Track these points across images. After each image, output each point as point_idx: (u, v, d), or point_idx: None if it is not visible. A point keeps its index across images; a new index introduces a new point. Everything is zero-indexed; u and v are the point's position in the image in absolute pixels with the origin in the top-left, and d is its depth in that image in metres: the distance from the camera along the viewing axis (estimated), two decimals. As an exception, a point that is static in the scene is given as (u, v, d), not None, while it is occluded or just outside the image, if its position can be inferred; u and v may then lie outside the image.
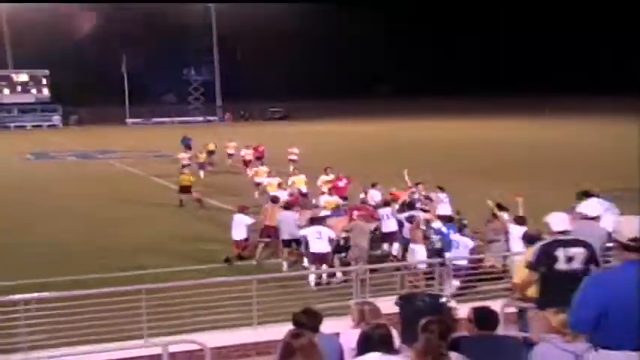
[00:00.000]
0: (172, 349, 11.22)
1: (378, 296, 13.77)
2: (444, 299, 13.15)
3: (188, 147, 51.33)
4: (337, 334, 8.89)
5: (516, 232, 16.99)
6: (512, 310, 12.27)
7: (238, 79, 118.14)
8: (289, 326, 8.26)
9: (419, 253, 17.81)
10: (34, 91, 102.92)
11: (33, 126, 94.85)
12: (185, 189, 31.09)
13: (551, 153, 48.82)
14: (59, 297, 13.30)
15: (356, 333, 7.57)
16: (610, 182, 26.90)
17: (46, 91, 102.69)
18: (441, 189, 23.41)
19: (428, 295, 13.36)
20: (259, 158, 42.96)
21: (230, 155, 47.99)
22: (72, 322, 12.29)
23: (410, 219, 19.04)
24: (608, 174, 32.97)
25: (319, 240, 17.88)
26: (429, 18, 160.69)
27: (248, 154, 43.60)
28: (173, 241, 23.89)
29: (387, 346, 6.59)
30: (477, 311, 8.09)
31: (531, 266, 8.88)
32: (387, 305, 12.91)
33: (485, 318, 7.89)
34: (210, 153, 47.23)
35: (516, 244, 16.85)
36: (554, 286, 8.28)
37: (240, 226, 21.24)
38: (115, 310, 12.65)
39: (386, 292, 14.36)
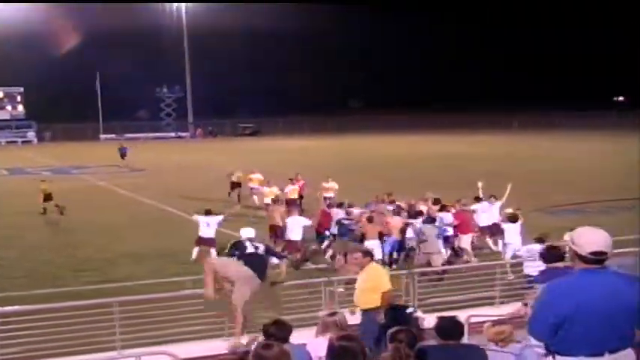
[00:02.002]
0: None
1: (346, 307, 13.77)
2: (410, 309, 13.19)
3: (123, 155, 57.65)
4: (305, 344, 8.87)
5: (510, 228, 20.53)
6: (477, 320, 12.32)
7: (210, 96, 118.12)
8: (260, 337, 8.24)
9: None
10: (8, 107, 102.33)
11: (7, 142, 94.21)
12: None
13: (521, 165, 49.14)
14: (32, 310, 13.20)
15: (323, 342, 7.55)
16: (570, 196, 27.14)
17: (20, 108, 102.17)
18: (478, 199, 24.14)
19: (395, 305, 13.39)
20: (301, 197, 32.03)
21: (253, 190, 35.06)
22: (45, 335, 12.18)
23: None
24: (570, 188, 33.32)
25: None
26: (401, 32, 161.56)
27: (292, 191, 31.43)
28: (145, 253, 23.76)
29: (358, 357, 6.56)
30: (443, 321, 8.13)
31: None
32: (356, 316, 12.95)
33: (450, 328, 7.93)
34: (235, 186, 36.37)
35: (510, 238, 20.41)
36: None
37: (297, 227, 22.17)
38: (89, 323, 12.57)
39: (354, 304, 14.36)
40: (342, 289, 15.16)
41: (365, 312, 12.38)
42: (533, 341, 7.63)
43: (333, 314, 9.50)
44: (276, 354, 6.02)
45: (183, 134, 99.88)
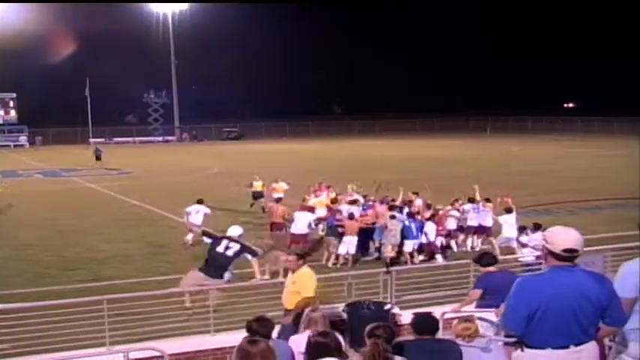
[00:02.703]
0: (133, 355, 11.13)
1: (327, 304, 13.80)
2: (388, 306, 13.23)
3: (98, 158, 59.09)
4: (288, 340, 8.88)
5: (507, 219, 21.95)
6: (452, 315, 12.37)
7: (196, 101, 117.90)
8: (244, 333, 8.24)
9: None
10: (1, 112, 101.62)
11: (0, 146, 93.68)
12: None
13: (491, 168, 49.32)
14: (23, 308, 13.15)
15: (304, 338, 7.57)
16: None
17: (13, 113, 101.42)
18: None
19: (373, 302, 13.43)
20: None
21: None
22: (35, 332, 12.15)
23: None
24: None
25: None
26: (375, 40, 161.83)
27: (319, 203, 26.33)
28: (133, 253, 23.73)
29: (335, 352, 6.58)
30: (418, 317, 8.20)
31: None
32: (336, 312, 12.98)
33: (425, 324, 8.00)
34: (258, 196, 33.07)
35: (507, 229, 21.82)
36: None
37: (303, 221, 22.33)
38: (78, 320, 12.54)
39: (336, 300, 14.39)
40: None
41: (288, 312, 12.13)
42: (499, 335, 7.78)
43: (315, 310, 9.53)
44: (262, 350, 6.03)
45: (170, 138, 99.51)
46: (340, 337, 7.17)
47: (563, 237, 5.86)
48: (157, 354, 11.08)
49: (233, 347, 7.24)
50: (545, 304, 5.70)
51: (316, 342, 6.69)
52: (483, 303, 11.03)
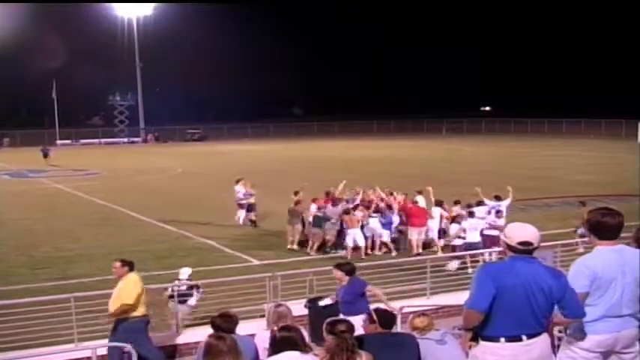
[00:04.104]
0: (101, 351, 11.06)
1: (290, 299, 13.79)
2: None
3: (45, 156, 60.08)
4: (252, 335, 8.85)
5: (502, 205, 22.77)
6: (409, 310, 12.45)
7: (160, 103, 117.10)
8: (208, 329, 8.20)
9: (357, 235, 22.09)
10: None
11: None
12: None
13: (445, 168, 49.62)
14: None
15: (268, 333, 7.56)
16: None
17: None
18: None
19: (319, 297, 13.46)
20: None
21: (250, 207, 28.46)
22: (5, 330, 12.02)
23: None
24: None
25: None
26: (333, 43, 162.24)
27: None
28: (99, 252, 23.52)
29: (299, 346, 6.57)
30: (378, 312, 8.24)
31: None
32: (298, 307, 12.97)
33: (384, 318, 8.05)
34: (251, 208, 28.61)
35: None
36: None
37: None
38: (47, 318, 12.43)
39: (298, 296, 14.40)
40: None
41: (118, 320, 11.96)
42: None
43: (279, 305, 9.51)
44: (230, 345, 6.00)
45: (136, 140, 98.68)
46: (304, 332, 7.16)
47: (519, 231, 6.00)
48: (126, 350, 11.03)
49: (197, 342, 7.21)
50: (504, 288, 5.76)
51: (280, 336, 6.67)
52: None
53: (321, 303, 12.60)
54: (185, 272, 15.87)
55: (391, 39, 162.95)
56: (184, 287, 15.09)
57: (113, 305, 11.84)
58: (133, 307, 11.71)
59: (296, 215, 23.87)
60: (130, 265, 12.18)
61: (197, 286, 15.30)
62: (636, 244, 7.08)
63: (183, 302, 14.70)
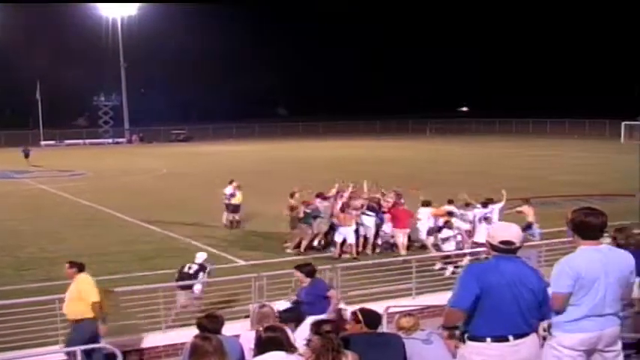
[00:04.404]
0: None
1: (275, 299, 13.80)
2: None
3: (26, 156, 60.74)
4: (238, 336, 8.86)
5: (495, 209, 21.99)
6: (395, 310, 12.49)
7: (144, 104, 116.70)
8: (194, 329, 8.20)
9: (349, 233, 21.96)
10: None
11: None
12: None
13: (429, 167, 49.71)
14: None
15: (253, 333, 7.57)
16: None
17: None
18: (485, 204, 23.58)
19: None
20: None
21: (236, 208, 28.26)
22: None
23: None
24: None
25: None
26: (318, 43, 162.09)
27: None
28: (85, 253, 23.41)
29: (284, 346, 6.58)
30: (363, 312, 8.26)
31: None
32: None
33: (370, 318, 8.07)
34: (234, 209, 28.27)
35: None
36: None
37: None
38: (32, 319, 12.38)
39: (284, 296, 14.40)
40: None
41: (75, 323, 11.97)
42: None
43: (263, 306, 9.52)
44: (216, 346, 6.01)
45: (120, 140, 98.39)
46: (289, 331, 7.17)
47: (502, 230, 6.12)
48: (110, 351, 10.99)
49: (184, 343, 7.21)
50: (489, 287, 5.83)
51: (265, 336, 6.68)
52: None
53: (279, 307, 12.56)
54: (200, 257, 16.92)
55: (383, 39, 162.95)
56: (194, 268, 16.18)
57: (73, 308, 11.85)
58: (102, 302, 11.81)
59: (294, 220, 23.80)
60: (78, 267, 12.25)
61: (204, 269, 16.31)
62: (613, 244, 7.16)
63: (189, 288, 15.68)
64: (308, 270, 11.75)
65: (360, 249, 22.56)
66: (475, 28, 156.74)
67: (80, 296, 11.80)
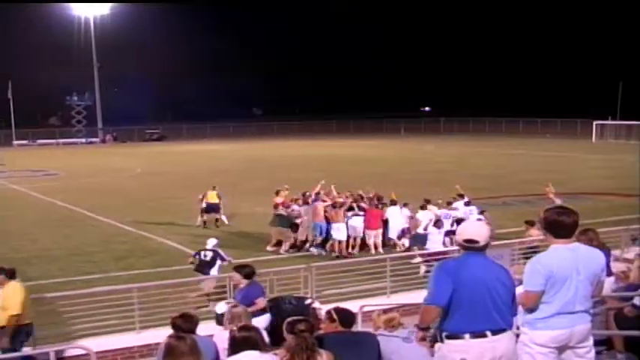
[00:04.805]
0: (60, 354, 10.96)
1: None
2: (308, 301, 13.28)
3: None
4: (211, 336, 8.85)
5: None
6: (370, 309, 12.53)
7: (118, 103, 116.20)
8: (169, 330, 8.18)
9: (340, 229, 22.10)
10: None
11: None
12: None
13: (404, 167, 49.84)
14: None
15: (227, 334, 7.56)
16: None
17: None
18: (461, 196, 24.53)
19: (295, 297, 13.47)
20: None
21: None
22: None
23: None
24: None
25: None
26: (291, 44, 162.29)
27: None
28: (58, 253, 23.30)
29: (258, 345, 6.58)
30: (338, 311, 8.27)
31: None
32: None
33: (344, 317, 8.08)
34: (210, 209, 28.03)
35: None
36: None
37: None
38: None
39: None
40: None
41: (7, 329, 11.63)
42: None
43: (235, 306, 9.50)
44: (191, 345, 5.99)
45: (94, 140, 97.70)
46: (263, 331, 7.18)
47: (466, 229, 6.22)
48: (84, 352, 10.94)
49: (158, 344, 7.19)
50: (461, 282, 5.90)
51: (239, 336, 6.68)
52: None
53: (217, 310, 12.49)
54: (211, 242, 18.18)
55: (374, 40, 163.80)
56: (210, 254, 17.45)
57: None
58: (22, 315, 11.42)
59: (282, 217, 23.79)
60: (8, 273, 11.80)
61: (220, 255, 17.59)
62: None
63: (207, 273, 17.00)
64: (247, 272, 11.66)
65: (350, 249, 22.62)
66: (446, 27, 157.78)
67: (3, 305, 11.45)
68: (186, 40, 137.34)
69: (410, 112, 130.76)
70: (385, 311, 8.78)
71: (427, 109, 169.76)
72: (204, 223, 27.65)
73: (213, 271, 17.06)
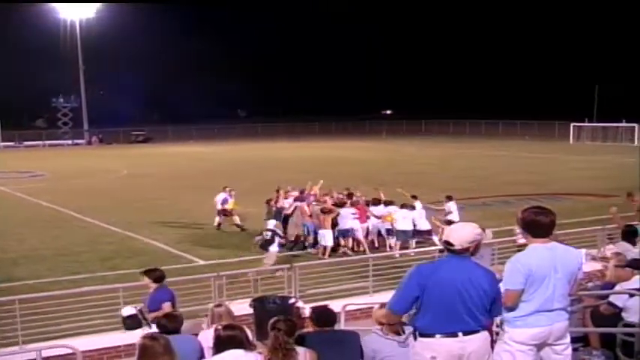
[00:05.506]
0: (46, 354, 10.92)
1: (235, 299, 13.83)
2: (292, 300, 13.31)
3: None
4: (196, 335, 8.84)
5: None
6: (353, 307, 12.55)
7: (103, 105, 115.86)
8: (154, 329, 8.16)
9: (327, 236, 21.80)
10: None
11: None
12: None
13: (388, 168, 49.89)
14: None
15: (211, 333, 7.56)
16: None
17: None
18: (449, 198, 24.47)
19: (279, 297, 13.49)
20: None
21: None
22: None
23: None
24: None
25: None
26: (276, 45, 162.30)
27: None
28: (44, 254, 23.19)
29: (242, 344, 6.59)
30: (317, 310, 8.31)
31: None
32: (243, 307, 12.98)
33: (324, 316, 8.10)
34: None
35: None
36: None
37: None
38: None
39: (243, 295, 14.41)
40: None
41: None
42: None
43: (219, 305, 9.50)
44: (164, 345, 5.99)
45: (80, 142, 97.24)
46: (247, 330, 7.18)
47: (450, 231, 6.31)
48: (70, 351, 10.90)
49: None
50: (433, 285, 5.94)
51: (224, 335, 6.68)
52: None
53: (123, 313, 12.40)
54: (271, 223, 20.87)
55: (366, 42, 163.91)
56: (270, 234, 19.46)
57: None
58: None
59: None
60: None
61: (277, 234, 19.76)
62: None
63: (267, 249, 19.16)
64: (156, 276, 11.46)
65: (349, 250, 22.34)
66: (419, 31, 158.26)
67: None
68: (172, 42, 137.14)
69: (391, 114, 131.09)
70: (382, 305, 8.64)
71: (388, 112, 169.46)
72: (219, 225, 26.95)
73: (273, 248, 19.22)
